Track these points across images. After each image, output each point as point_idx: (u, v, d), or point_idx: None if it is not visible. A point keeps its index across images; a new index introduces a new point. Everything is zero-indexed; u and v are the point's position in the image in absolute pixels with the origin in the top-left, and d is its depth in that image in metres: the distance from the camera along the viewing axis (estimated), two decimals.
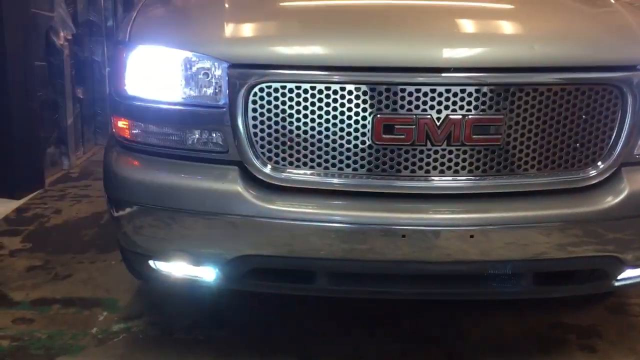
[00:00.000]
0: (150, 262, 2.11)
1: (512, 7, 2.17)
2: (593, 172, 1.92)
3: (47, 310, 2.61)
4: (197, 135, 1.93)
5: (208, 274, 2.04)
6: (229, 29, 1.95)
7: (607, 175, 1.92)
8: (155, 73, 1.93)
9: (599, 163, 1.92)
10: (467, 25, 2.00)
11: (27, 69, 3.95)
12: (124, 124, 2.01)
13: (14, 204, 3.81)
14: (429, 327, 2.53)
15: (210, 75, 1.88)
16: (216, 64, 1.87)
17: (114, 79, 2.03)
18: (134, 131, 1.99)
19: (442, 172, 1.89)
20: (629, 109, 1.88)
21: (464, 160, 1.88)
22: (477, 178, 1.90)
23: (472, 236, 1.87)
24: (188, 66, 1.90)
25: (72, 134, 4.67)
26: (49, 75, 4.36)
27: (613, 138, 1.91)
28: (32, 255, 3.13)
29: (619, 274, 2.05)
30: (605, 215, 1.90)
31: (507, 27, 2.03)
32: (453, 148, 1.86)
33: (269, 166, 1.90)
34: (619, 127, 1.90)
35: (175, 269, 2.10)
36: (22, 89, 3.90)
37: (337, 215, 1.89)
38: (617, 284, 2.11)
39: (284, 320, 2.56)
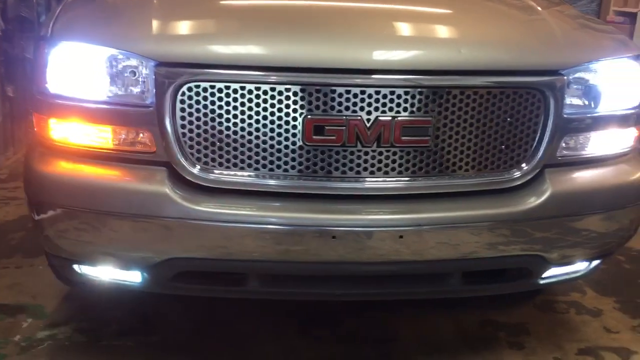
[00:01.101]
0: (75, 267, 2.04)
1: (441, 11, 2.20)
2: (517, 174, 1.97)
3: None
4: (123, 135, 1.88)
5: (136, 277, 2.00)
6: (156, 26, 1.89)
7: (530, 176, 1.98)
8: (79, 71, 1.86)
9: (523, 165, 1.97)
10: (397, 28, 2.02)
11: None
12: (46, 123, 1.93)
13: None
14: (364, 328, 2.54)
15: (136, 74, 1.83)
16: (143, 62, 1.82)
17: (35, 76, 1.95)
18: (56, 131, 1.92)
19: (372, 173, 1.90)
20: (551, 112, 1.93)
21: (393, 161, 1.89)
22: (407, 179, 1.92)
23: (401, 236, 1.88)
24: (114, 64, 1.84)
25: (2, 133, 4.48)
26: None
27: (536, 140, 1.96)
28: None
29: (544, 272, 2.13)
30: (529, 216, 1.95)
31: (436, 31, 2.05)
32: (383, 149, 1.87)
33: (198, 167, 1.86)
34: (542, 130, 1.95)
35: (102, 273, 2.04)
36: None
37: (268, 216, 1.87)
38: (542, 282, 2.18)
39: (215, 323, 2.52)
